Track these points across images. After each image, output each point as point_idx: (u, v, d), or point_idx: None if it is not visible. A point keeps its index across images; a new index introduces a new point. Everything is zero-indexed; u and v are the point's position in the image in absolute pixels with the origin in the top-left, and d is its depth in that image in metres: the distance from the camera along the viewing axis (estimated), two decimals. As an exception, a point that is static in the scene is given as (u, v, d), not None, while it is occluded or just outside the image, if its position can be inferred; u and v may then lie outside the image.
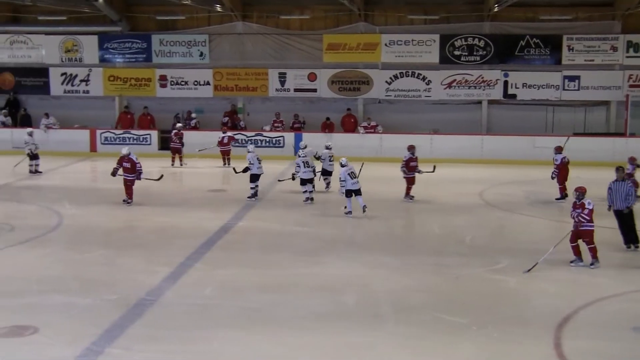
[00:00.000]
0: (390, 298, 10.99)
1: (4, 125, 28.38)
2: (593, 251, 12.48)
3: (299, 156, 18.59)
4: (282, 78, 27.65)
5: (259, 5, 27.80)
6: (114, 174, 18.02)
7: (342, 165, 16.70)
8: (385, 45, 26.86)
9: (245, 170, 18.45)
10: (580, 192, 12.58)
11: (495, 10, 25.91)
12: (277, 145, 26.45)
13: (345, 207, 16.63)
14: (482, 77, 26.85)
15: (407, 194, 18.47)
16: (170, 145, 24.53)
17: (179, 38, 27.97)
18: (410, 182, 18.47)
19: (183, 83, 28.17)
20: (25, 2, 27.08)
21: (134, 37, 28.32)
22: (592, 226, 12.43)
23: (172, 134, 24.42)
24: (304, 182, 18.19)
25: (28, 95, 29.58)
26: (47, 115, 27.95)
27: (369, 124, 26.62)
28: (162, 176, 18.89)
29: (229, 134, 24.84)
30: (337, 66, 27.36)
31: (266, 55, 27.83)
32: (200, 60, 27.95)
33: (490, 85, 26.87)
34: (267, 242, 14.48)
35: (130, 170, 17.73)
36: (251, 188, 18.43)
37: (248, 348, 9.10)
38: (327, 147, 19.82)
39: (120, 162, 17.89)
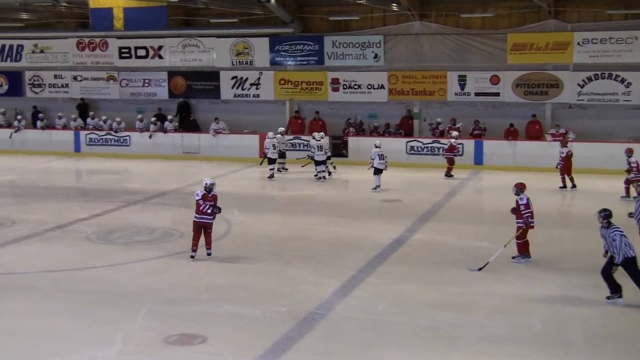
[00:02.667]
0: (583, 323, 10.61)
1: (175, 130, 29.89)
2: (518, 247, 13.75)
3: (315, 139, 23.72)
4: (462, 81, 27.32)
5: (438, 4, 27.62)
6: (214, 213, 14.23)
7: (376, 147, 21.77)
8: (578, 44, 25.86)
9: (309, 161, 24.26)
10: (518, 187, 13.86)
11: None
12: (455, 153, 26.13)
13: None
14: (696, 78, 25.27)
15: None
16: (445, 155, 24.59)
17: (353, 39, 28.29)
18: None
19: (356, 87, 28.48)
20: (198, 5, 28.40)
21: (305, 39, 28.95)
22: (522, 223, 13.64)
23: (449, 144, 24.48)
24: (318, 163, 23.42)
25: (198, 99, 30.99)
26: (217, 120, 29.15)
27: (557, 132, 25.74)
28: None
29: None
30: (523, 68, 26.66)
31: (445, 57, 27.58)
32: (375, 62, 28.13)
33: None
34: (444, 256, 14.36)
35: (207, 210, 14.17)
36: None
37: (423, 370, 9.07)
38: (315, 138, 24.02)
39: (204, 201, 14.14)
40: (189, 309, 11.18)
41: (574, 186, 21.78)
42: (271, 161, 24.13)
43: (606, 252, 11.77)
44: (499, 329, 10.32)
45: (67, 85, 32.29)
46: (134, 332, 10.21)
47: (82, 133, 30.65)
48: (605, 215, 11.69)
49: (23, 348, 9.81)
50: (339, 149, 27.24)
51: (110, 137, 30.21)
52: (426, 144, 26.51)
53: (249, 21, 29.27)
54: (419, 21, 27.62)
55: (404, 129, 27.94)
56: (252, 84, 29.78)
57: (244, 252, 14.77)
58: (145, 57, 31.02)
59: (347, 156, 27.04)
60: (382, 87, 28.16)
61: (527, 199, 13.76)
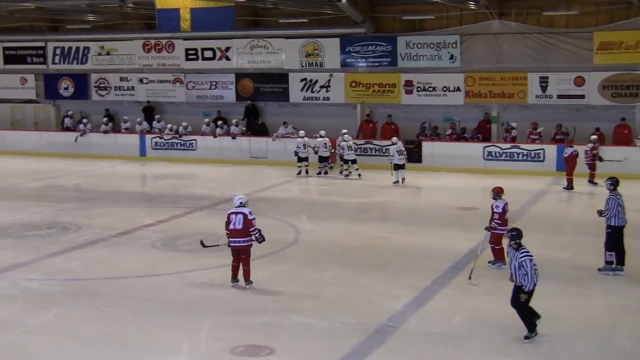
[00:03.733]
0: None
1: (242, 134, 30.15)
2: (495, 252, 14.06)
3: (344, 140, 25.56)
4: (544, 83, 26.93)
5: (518, 1, 27.29)
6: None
7: (393, 144, 23.83)
8: (672, 42, 25.31)
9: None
10: (495, 192, 14.12)
11: None
12: (535, 159, 25.81)
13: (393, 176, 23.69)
14: None
15: None
16: (585, 161, 23.75)
17: (427, 40, 28.12)
18: None
19: (431, 89, 28.29)
20: (267, 5, 28.64)
21: (378, 40, 28.89)
22: (501, 229, 13.74)
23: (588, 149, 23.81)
24: (346, 161, 25.46)
25: (266, 102, 31.22)
26: (285, 124, 29.31)
27: (648, 136, 25.24)
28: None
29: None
30: (611, 68, 26.14)
31: (525, 57, 27.22)
32: (450, 63, 27.93)
33: None
34: (523, 269, 14.17)
35: (241, 232, 12.83)
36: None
37: (501, 387, 8.99)
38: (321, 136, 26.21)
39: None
40: (256, 319, 11.29)
41: (568, 187, 22.54)
42: (301, 159, 26.12)
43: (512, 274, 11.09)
44: (585, 347, 10.16)
45: (132, 88, 32.87)
46: (200, 342, 10.37)
47: (148, 137, 31.19)
48: (513, 235, 10.79)
49: (89, 355, 10.08)
50: (411, 155, 27.07)
51: (176, 141, 30.69)
52: (505, 149, 26.20)
53: (319, 21, 29.39)
54: (497, 20, 27.33)
55: (482, 133, 27.70)
56: (322, 87, 29.84)
57: (313, 261, 14.85)
58: (212, 58, 31.35)
59: (420, 162, 26.88)
60: (458, 89, 27.92)
61: (504, 205, 14.02)
